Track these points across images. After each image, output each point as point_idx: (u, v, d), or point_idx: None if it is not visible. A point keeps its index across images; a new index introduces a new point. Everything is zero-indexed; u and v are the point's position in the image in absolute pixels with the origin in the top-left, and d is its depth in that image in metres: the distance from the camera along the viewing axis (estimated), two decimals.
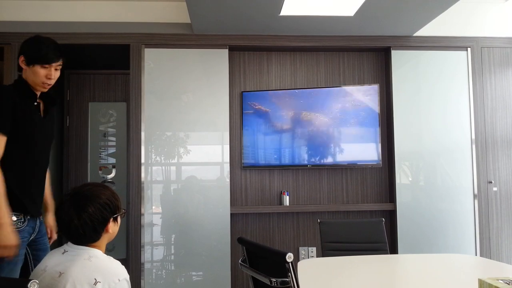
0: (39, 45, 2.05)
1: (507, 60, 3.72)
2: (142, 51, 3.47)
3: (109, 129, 4.20)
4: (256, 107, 3.63)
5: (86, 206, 1.46)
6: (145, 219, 3.40)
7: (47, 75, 2.05)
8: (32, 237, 2.04)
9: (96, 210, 1.47)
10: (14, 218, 1.93)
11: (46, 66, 2.04)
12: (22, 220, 1.96)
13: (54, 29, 3.40)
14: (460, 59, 3.68)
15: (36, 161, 2.06)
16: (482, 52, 3.70)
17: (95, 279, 1.37)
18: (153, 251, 3.42)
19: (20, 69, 2.06)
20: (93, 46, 3.50)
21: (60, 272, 1.40)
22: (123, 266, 1.46)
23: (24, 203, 1.97)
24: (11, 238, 1.82)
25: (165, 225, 3.44)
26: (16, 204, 1.95)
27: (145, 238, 3.39)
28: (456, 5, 3.21)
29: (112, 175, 4.19)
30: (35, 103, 2.04)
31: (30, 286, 1.22)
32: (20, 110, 1.96)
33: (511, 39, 3.73)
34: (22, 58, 2.03)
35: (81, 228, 1.45)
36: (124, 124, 4.16)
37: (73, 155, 4.14)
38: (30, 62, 2.02)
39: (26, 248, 2.03)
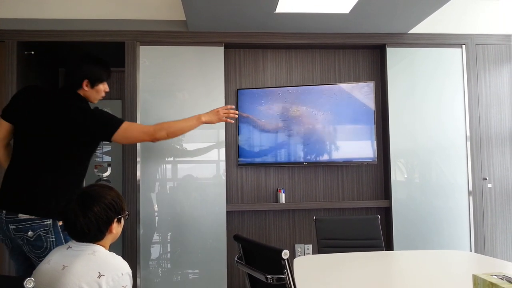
0: (100, 66, 2.18)
1: (501, 57, 3.74)
2: (137, 49, 3.45)
3: None
4: (252, 104, 3.63)
5: (92, 205, 1.51)
6: (141, 217, 3.39)
7: (105, 89, 2.25)
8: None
9: (101, 210, 1.52)
10: None
11: (105, 81, 2.20)
12: None
13: (49, 26, 3.38)
14: (455, 56, 3.70)
15: (26, 153, 2.05)
16: (476, 49, 3.71)
17: (99, 272, 1.41)
18: (149, 249, 3.41)
19: (73, 88, 2.13)
20: (88, 44, 3.48)
21: (63, 265, 1.43)
22: (125, 262, 1.51)
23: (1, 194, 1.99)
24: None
25: (161, 223, 3.43)
26: None
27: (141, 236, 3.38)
28: (451, 2, 3.22)
29: (108, 173, 4.17)
30: None
31: (26, 283, 1.22)
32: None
33: (505, 36, 3.75)
34: (86, 82, 2.13)
35: (86, 227, 1.49)
36: None
37: None
38: (95, 84, 2.17)
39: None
